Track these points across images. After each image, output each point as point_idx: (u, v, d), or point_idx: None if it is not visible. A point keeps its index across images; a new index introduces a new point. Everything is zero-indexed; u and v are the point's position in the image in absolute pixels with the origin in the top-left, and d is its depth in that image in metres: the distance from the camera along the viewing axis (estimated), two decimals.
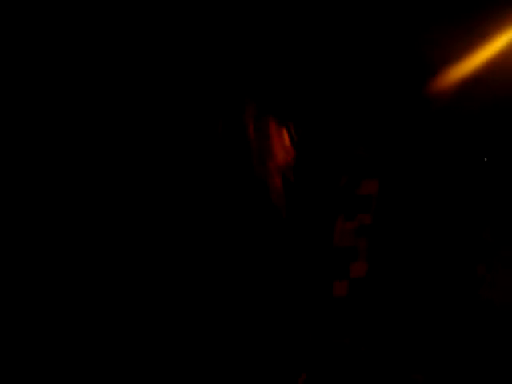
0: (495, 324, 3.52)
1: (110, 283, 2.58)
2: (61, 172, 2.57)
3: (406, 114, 3.62)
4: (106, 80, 2.62)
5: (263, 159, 2.89)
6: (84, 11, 2.56)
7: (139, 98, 2.68)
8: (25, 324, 2.53)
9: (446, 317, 3.55)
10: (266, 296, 3.15)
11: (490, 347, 3.46)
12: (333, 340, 3.55)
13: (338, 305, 3.58)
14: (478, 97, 3.42)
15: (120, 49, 2.65)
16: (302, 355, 3.36)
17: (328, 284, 3.57)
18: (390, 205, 3.69)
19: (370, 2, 3.13)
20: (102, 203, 2.60)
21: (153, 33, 2.71)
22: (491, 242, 3.63)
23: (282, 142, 3.03)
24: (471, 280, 3.61)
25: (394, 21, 3.29)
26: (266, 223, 2.85)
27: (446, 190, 3.65)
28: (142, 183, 2.64)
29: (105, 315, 2.58)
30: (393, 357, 3.49)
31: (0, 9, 2.42)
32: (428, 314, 3.56)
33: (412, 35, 3.33)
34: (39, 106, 2.49)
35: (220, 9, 2.83)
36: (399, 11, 3.24)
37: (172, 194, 2.68)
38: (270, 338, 3.14)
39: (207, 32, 2.83)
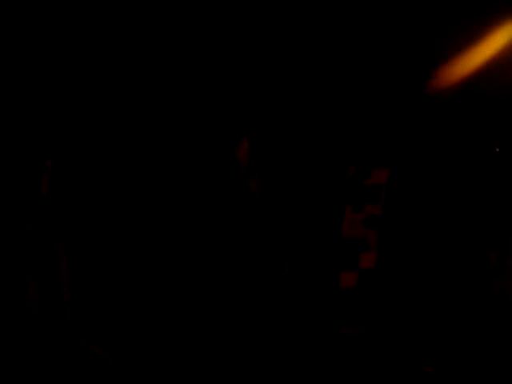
0: (508, 314, 3.47)
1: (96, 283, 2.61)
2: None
3: (417, 103, 3.57)
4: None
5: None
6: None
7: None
8: (23, 323, 2.56)
9: (458, 307, 3.51)
10: (274, 288, 3.15)
11: (502, 337, 3.42)
12: (342, 331, 3.53)
13: (348, 296, 3.56)
14: (489, 85, 3.37)
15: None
16: (310, 346, 3.36)
17: (337, 275, 3.54)
18: (401, 194, 3.64)
19: None
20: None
21: None
22: (504, 231, 3.58)
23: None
24: (483, 270, 3.56)
25: (401, 14, 3.26)
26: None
27: (457, 179, 3.60)
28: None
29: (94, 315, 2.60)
30: (403, 348, 3.46)
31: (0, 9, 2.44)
32: (439, 305, 3.53)
33: (419, 26, 3.29)
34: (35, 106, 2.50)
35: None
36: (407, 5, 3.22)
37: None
38: (277, 331, 3.14)
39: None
